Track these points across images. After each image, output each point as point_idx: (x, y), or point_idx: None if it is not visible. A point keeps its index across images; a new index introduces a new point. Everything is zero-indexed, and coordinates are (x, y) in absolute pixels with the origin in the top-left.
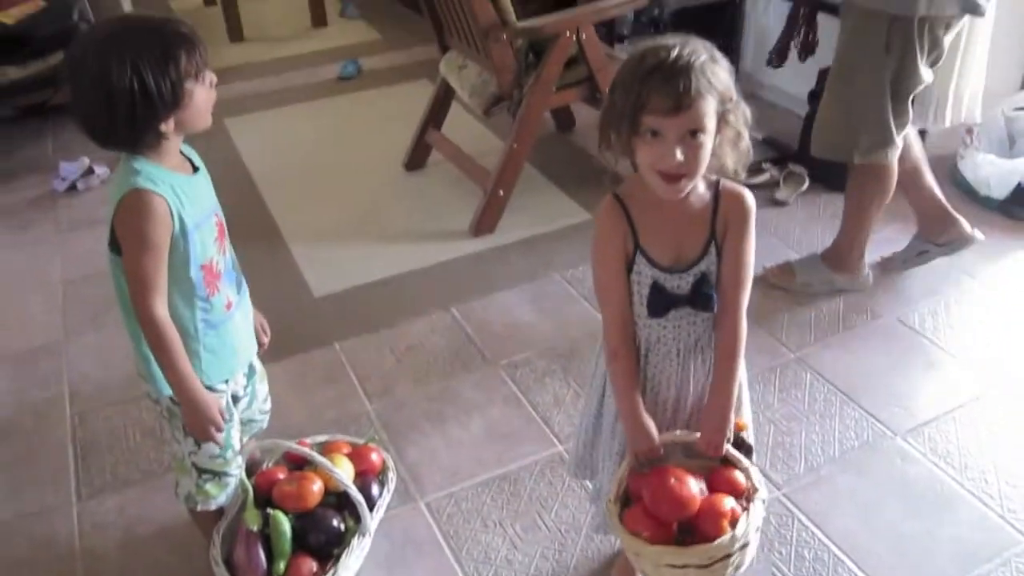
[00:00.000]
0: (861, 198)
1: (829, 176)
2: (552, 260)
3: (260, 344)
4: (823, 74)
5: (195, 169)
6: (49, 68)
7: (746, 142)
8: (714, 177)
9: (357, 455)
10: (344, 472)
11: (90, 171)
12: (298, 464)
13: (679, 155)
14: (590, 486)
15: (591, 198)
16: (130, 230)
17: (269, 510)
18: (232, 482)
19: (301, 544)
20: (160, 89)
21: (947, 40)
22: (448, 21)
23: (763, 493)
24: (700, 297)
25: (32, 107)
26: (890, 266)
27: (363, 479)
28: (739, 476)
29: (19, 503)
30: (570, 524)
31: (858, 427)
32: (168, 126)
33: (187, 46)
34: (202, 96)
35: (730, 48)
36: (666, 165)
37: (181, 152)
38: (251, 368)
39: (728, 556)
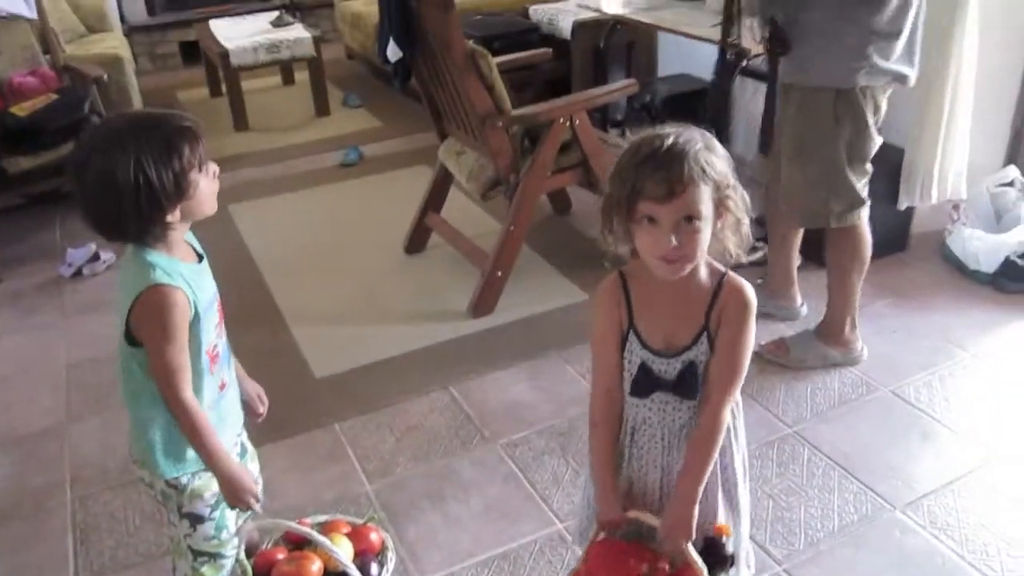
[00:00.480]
0: (842, 265)
1: (821, 253)
2: (549, 339)
3: (257, 414)
4: None
5: (199, 257)
6: (60, 158)
7: (746, 227)
8: (722, 269)
9: (356, 535)
10: (343, 552)
11: (96, 257)
12: (297, 544)
13: (674, 241)
14: None
15: (587, 279)
16: (155, 326)
17: None
18: (228, 564)
19: None
20: (163, 182)
21: (885, 103)
22: (446, 109)
23: None
24: (685, 385)
25: (42, 195)
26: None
27: (362, 559)
28: None
29: None
30: None
31: (857, 500)
32: (174, 216)
33: (189, 139)
34: (206, 186)
35: (720, 133)
36: (661, 251)
37: (185, 240)
38: (242, 447)
39: None
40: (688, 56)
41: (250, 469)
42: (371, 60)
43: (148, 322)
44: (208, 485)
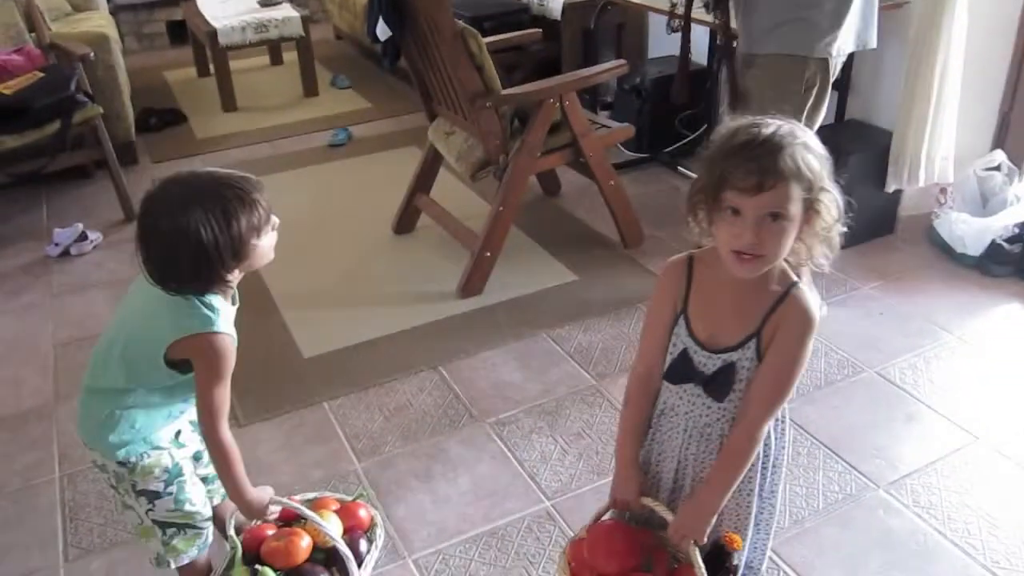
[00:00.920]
0: None
1: None
2: (538, 320)
3: None
4: None
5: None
6: (45, 137)
7: (836, 234)
8: (793, 279)
9: (345, 511)
10: (332, 528)
11: (83, 236)
12: (287, 521)
13: (752, 237)
14: None
15: (576, 259)
16: (213, 369)
17: (257, 567)
18: (203, 536)
19: None
20: (221, 248)
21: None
22: (436, 90)
23: None
24: (717, 385)
25: (28, 175)
26: None
27: (351, 535)
28: None
29: (5, 566)
30: None
31: (842, 480)
32: (234, 276)
33: (249, 204)
34: (266, 244)
35: (708, 114)
36: (740, 245)
37: None
38: (196, 425)
39: None
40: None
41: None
42: (360, 40)
43: (206, 364)
44: (157, 462)
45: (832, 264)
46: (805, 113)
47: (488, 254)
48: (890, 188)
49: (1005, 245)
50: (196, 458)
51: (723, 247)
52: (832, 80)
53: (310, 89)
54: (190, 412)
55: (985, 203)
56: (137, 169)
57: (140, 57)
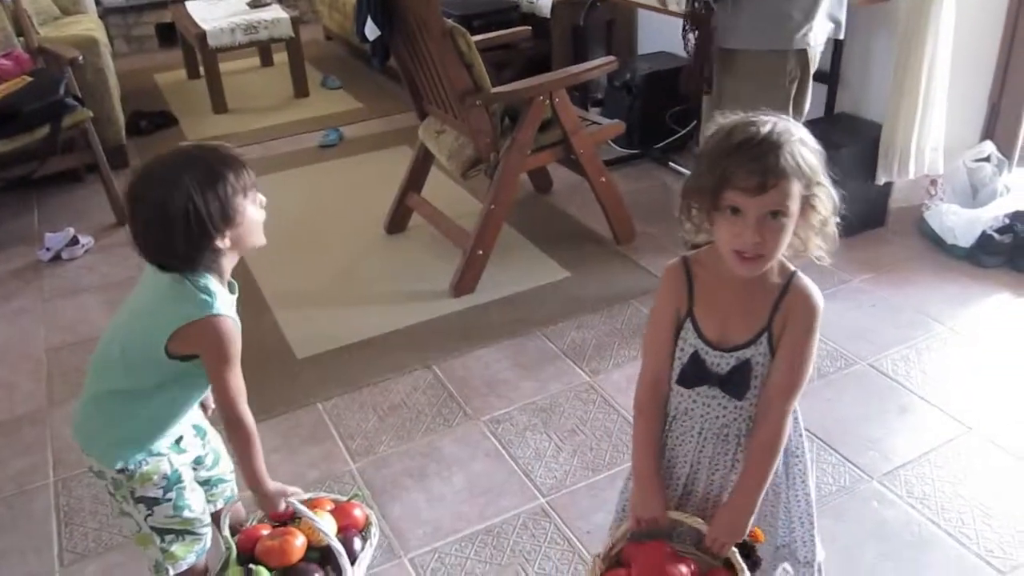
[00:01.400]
0: None
1: None
2: (531, 317)
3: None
4: None
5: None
6: (35, 141)
7: (832, 228)
8: (791, 268)
9: (340, 511)
10: (326, 525)
11: (75, 241)
12: (281, 521)
13: (756, 237)
14: None
15: (568, 257)
16: (219, 355)
17: (251, 566)
18: (201, 542)
19: None
20: (210, 208)
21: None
22: (426, 89)
23: None
24: (734, 383)
25: (18, 179)
26: None
27: (346, 534)
28: None
29: (1, 571)
30: None
31: (836, 472)
32: (224, 243)
33: (234, 166)
34: (253, 214)
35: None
36: (742, 245)
37: None
38: (199, 429)
39: None
40: (668, 34)
41: (218, 448)
42: (350, 41)
43: (210, 350)
44: (156, 468)
45: (826, 256)
46: (790, 106)
47: (480, 252)
48: (880, 180)
49: (995, 236)
50: (196, 463)
51: (724, 246)
52: (813, 70)
53: (301, 90)
54: (192, 416)
55: (975, 194)
56: (128, 172)
57: (130, 60)
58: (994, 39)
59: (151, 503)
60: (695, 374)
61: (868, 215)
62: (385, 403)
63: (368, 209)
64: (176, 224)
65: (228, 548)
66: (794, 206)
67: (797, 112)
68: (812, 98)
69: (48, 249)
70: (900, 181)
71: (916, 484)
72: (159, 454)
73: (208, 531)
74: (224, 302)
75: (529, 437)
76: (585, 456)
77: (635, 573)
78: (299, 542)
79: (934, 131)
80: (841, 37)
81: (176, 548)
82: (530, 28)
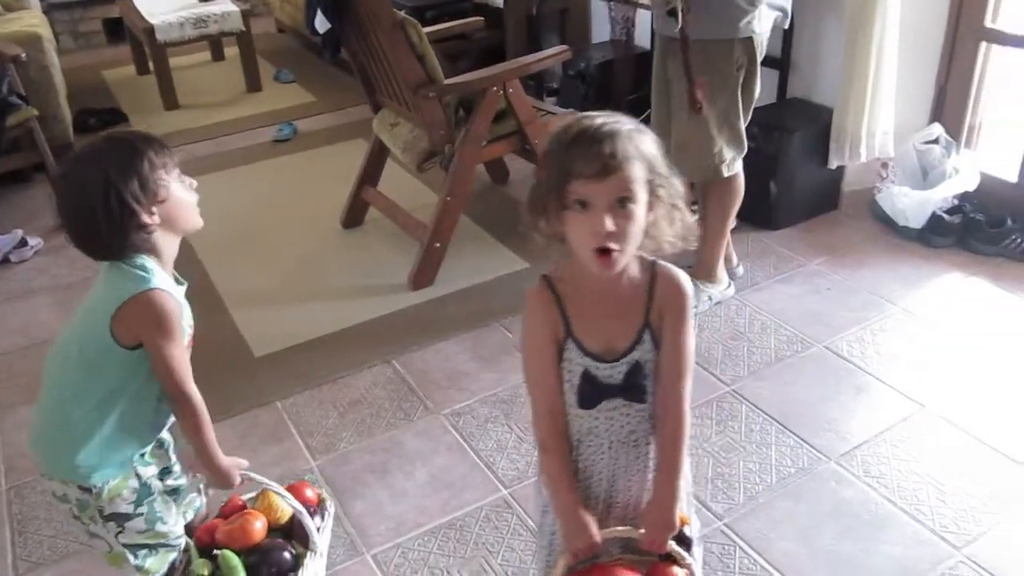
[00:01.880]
0: (725, 209)
1: (756, 214)
2: (490, 309)
3: None
4: None
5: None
6: None
7: (682, 217)
8: (650, 258)
9: (292, 490)
10: (285, 493)
11: (23, 243)
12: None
13: (609, 224)
14: None
15: (527, 247)
16: (158, 328)
17: (216, 551)
18: (175, 553)
19: None
20: (129, 184)
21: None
22: (379, 81)
23: None
24: (633, 388)
25: None
26: None
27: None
28: (678, 572)
29: None
30: (517, 568)
31: (794, 454)
32: (153, 219)
33: (153, 143)
34: (181, 193)
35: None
36: (597, 237)
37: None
38: (162, 440)
39: None
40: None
41: (182, 458)
42: (302, 33)
43: (149, 325)
44: (124, 483)
45: (777, 241)
46: (739, 94)
47: (438, 245)
48: (833, 164)
49: (945, 216)
50: (164, 474)
51: (580, 248)
52: (760, 57)
53: (253, 84)
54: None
55: (925, 176)
56: None
57: (76, 56)
58: (940, 22)
59: (122, 519)
60: (593, 392)
61: (822, 199)
62: (345, 399)
63: (324, 203)
64: (96, 206)
65: (187, 548)
66: (641, 192)
67: (747, 99)
68: (763, 83)
69: None
70: (852, 164)
71: (873, 463)
72: (126, 468)
73: (182, 541)
74: (163, 279)
75: (491, 429)
76: None
77: None
78: (259, 523)
79: (884, 115)
80: (786, 27)
81: (150, 562)
82: (483, 18)
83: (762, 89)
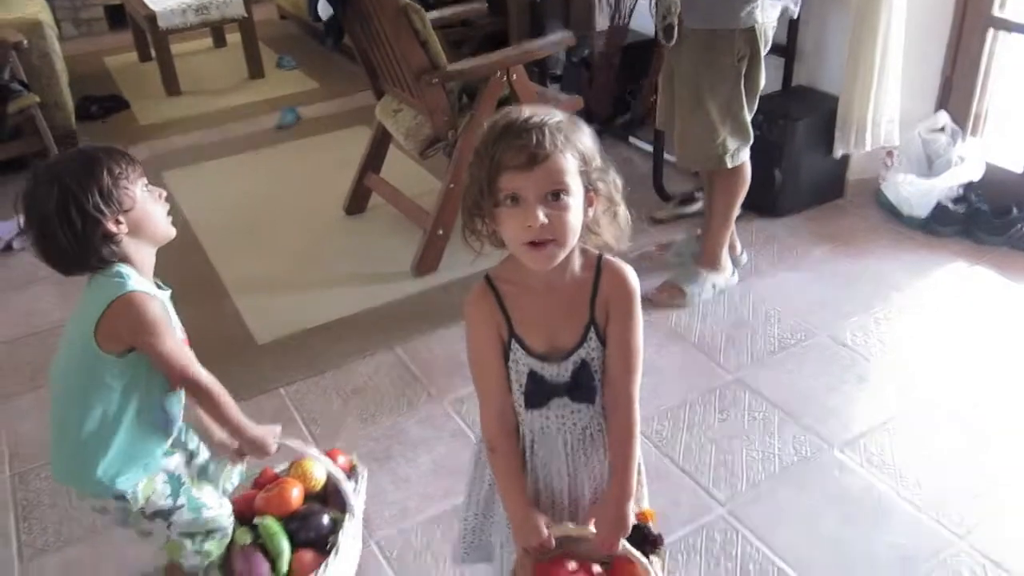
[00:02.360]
0: (730, 198)
1: (758, 201)
2: None
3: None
4: None
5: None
6: None
7: (623, 213)
8: (596, 253)
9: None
10: (322, 458)
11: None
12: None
13: (541, 216)
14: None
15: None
16: (143, 327)
17: (256, 520)
18: (230, 534)
19: (296, 543)
20: (89, 195)
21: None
22: (381, 67)
23: None
24: (580, 388)
25: None
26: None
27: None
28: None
29: None
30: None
31: (796, 442)
32: (120, 228)
33: (113, 154)
34: (149, 203)
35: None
36: (529, 231)
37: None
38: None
39: None
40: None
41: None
42: (305, 20)
43: (134, 327)
44: (153, 481)
45: (782, 229)
46: (741, 84)
47: (441, 232)
48: (838, 153)
49: (950, 206)
50: (191, 458)
51: (514, 243)
52: (766, 48)
53: (255, 71)
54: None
55: (930, 164)
56: None
57: (78, 43)
58: (946, 10)
59: (166, 514)
60: (539, 393)
61: (826, 187)
62: (348, 386)
63: (327, 190)
64: (55, 219)
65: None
66: (574, 184)
67: (751, 89)
68: (768, 71)
69: None
70: (857, 153)
71: (875, 452)
72: (151, 468)
73: (232, 521)
74: (140, 283)
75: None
76: None
77: None
78: (296, 491)
79: (889, 103)
80: (795, 16)
81: (209, 546)
82: (487, 4)
83: (767, 77)
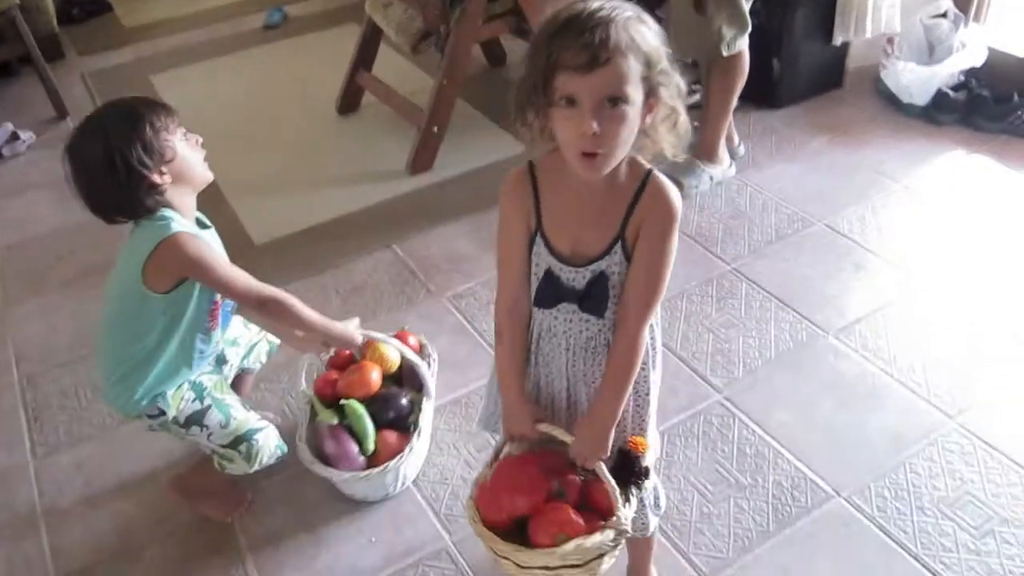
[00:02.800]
0: (727, 88)
1: (756, 92)
2: (490, 192)
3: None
4: None
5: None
6: None
7: (684, 121)
8: (647, 167)
9: (399, 338)
10: (401, 346)
11: (15, 136)
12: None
13: (595, 125)
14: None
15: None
16: (195, 265)
17: (342, 401)
18: (263, 435)
19: (378, 423)
20: (133, 149)
21: None
22: None
23: (621, 524)
24: (592, 299)
25: None
26: None
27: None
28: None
29: None
30: None
31: (792, 330)
32: (164, 179)
33: (153, 107)
34: (187, 151)
35: None
36: (582, 139)
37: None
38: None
39: (547, 568)
40: None
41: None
42: None
43: (188, 266)
44: (180, 391)
45: (780, 119)
46: None
47: (435, 129)
48: (837, 40)
49: (951, 93)
50: (218, 364)
51: (568, 148)
52: None
53: None
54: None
55: (931, 51)
56: (64, 64)
57: None
58: None
59: (199, 417)
60: (551, 293)
61: (825, 76)
62: (347, 284)
63: (318, 90)
64: (102, 172)
65: (310, 401)
66: (634, 92)
67: None
68: None
69: None
70: (857, 40)
71: (870, 338)
72: (172, 380)
73: (267, 424)
74: (183, 224)
75: (492, 310)
76: None
77: (491, 484)
78: (375, 374)
79: None
80: None
81: (255, 449)
82: None
83: None
